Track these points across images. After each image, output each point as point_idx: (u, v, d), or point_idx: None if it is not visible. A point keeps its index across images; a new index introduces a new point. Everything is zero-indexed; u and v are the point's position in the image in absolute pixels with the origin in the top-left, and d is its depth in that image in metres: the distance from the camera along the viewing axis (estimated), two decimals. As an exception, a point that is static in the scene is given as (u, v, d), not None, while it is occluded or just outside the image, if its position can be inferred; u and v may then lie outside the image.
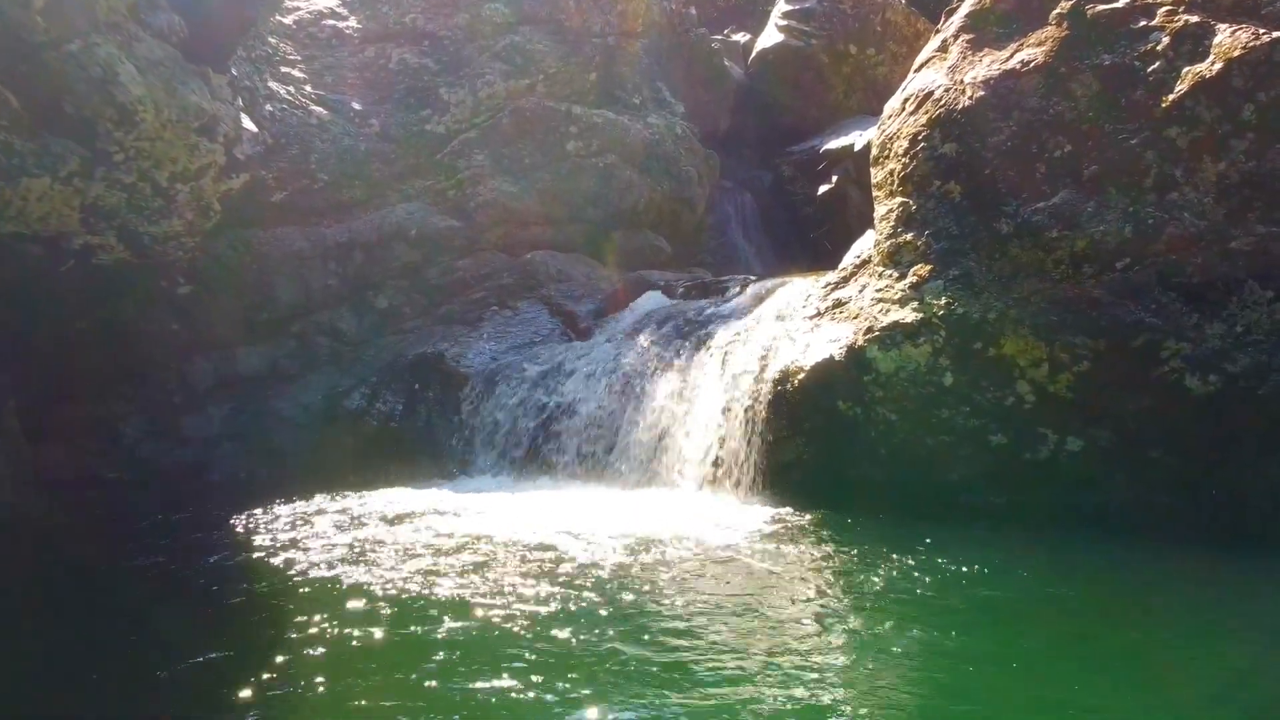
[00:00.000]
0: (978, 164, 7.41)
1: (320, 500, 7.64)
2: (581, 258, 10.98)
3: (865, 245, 11.62)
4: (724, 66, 14.52)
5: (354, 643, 4.70)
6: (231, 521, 7.17)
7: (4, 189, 6.02)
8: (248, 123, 8.29)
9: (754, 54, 15.00)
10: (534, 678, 4.23)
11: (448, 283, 10.53)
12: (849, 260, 11.57)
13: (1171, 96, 6.85)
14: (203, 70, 7.38)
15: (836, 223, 12.71)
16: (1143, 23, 7.23)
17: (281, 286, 9.84)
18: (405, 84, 11.37)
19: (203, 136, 6.87)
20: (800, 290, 8.18)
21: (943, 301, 7.15)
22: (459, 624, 4.88)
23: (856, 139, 12.82)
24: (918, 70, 8.33)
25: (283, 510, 7.36)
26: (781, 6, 14.88)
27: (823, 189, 13.00)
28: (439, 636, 4.73)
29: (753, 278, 9.41)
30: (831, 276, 8.14)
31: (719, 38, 15.35)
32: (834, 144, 13.14)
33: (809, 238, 13.19)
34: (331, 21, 11.82)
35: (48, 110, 6.20)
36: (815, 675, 4.28)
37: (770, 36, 14.82)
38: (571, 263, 10.66)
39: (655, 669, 4.32)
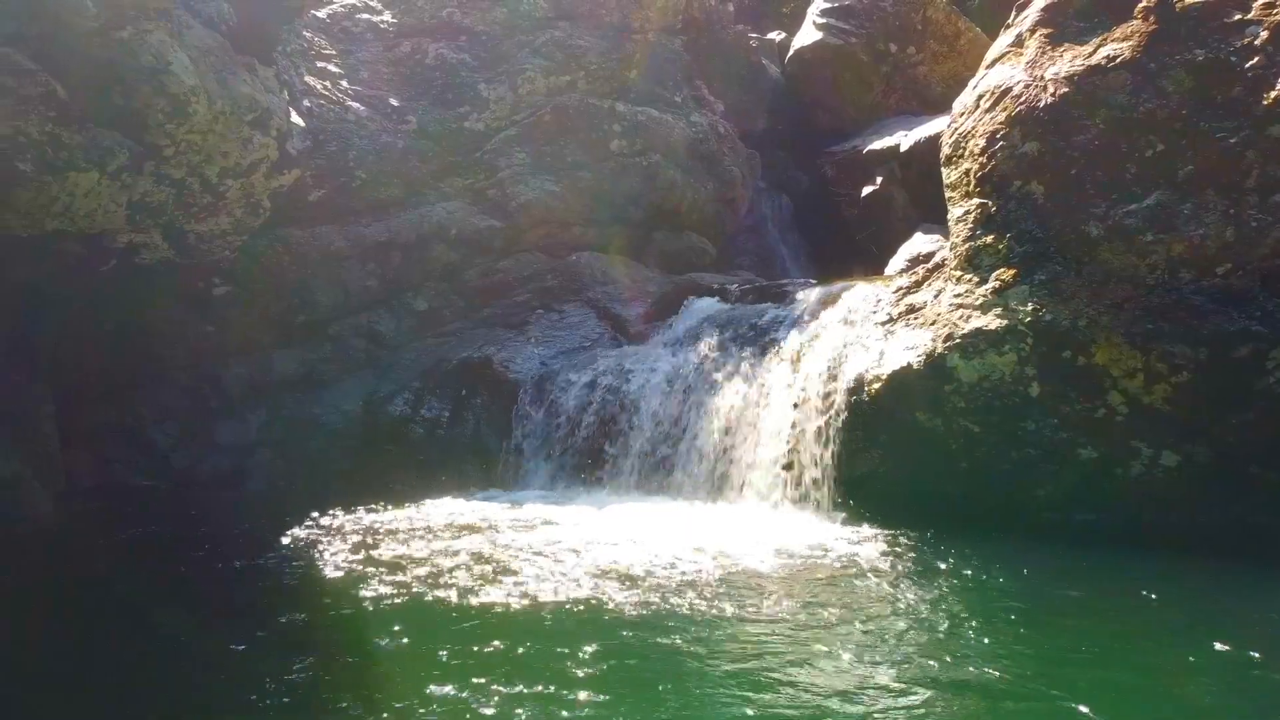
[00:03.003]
0: (1062, 163, 7.08)
1: (366, 511, 7.32)
2: (625, 260, 10.63)
3: (916, 247, 11.31)
4: (762, 65, 14.20)
5: (404, 658, 4.44)
6: (273, 534, 6.85)
7: (51, 184, 5.67)
8: (295, 116, 7.93)
9: (791, 52, 14.63)
10: (606, 696, 3.98)
11: (488, 285, 10.19)
12: (898, 263, 11.26)
13: (1273, 93, 6.51)
14: (249, 61, 7.04)
15: (881, 225, 12.35)
16: (1237, 16, 6.89)
17: (319, 288, 9.49)
18: (442, 80, 11.01)
19: (256, 130, 6.52)
20: (868, 295, 7.83)
21: (1029, 307, 6.81)
22: (513, 643, 4.55)
23: (902, 139, 12.45)
24: (990, 66, 7.98)
25: (327, 521, 7.04)
26: (819, 4, 14.51)
27: (867, 190, 12.63)
28: (491, 655, 4.43)
29: (813, 281, 9.06)
30: (903, 280, 7.79)
31: (755, 35, 15.01)
32: (878, 144, 12.76)
33: (853, 240, 12.82)
34: (366, 15, 11.47)
35: (95, 101, 5.86)
36: (900, 702, 4.04)
37: (808, 34, 14.45)
38: (616, 265, 10.31)
39: (733, 691, 4.07)
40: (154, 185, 6.21)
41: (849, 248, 12.95)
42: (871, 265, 11.78)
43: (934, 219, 11.97)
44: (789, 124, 14.62)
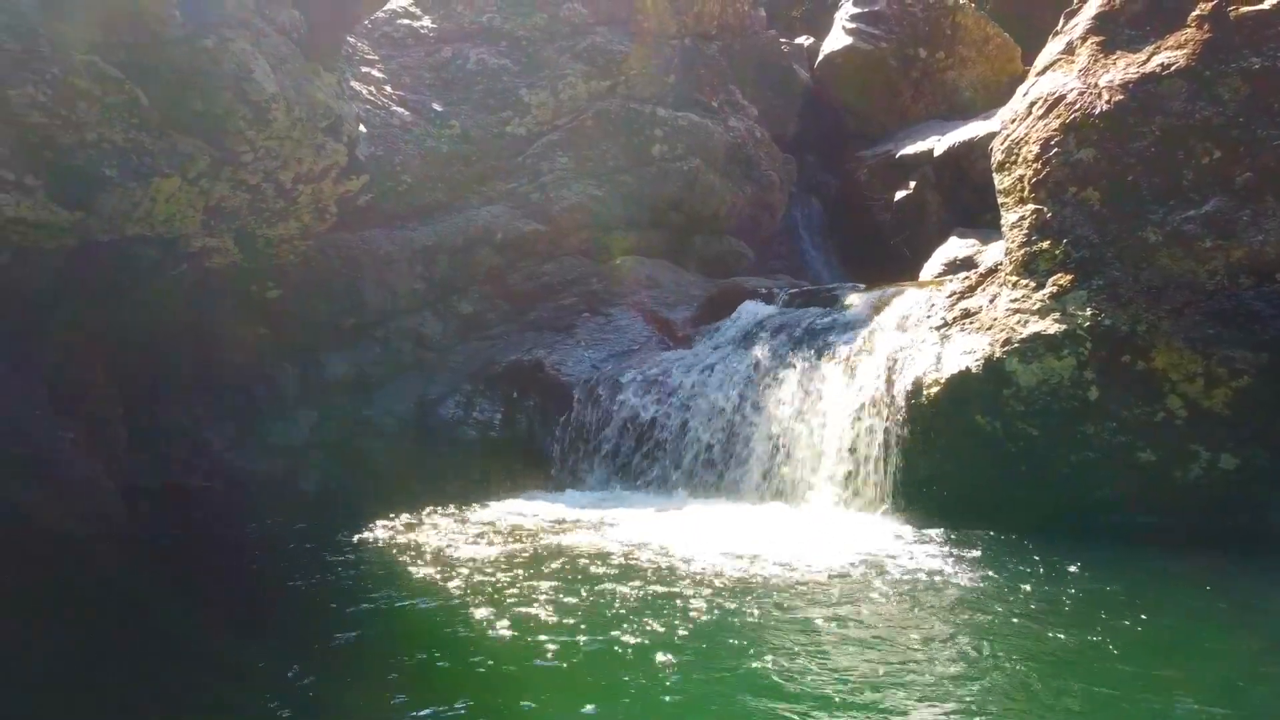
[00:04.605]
0: (1118, 170, 7.17)
1: (420, 513, 7.35)
2: (667, 264, 10.74)
3: (952, 251, 11.41)
4: (793, 70, 14.30)
5: (465, 665, 4.44)
6: (326, 535, 6.88)
7: (135, 189, 5.77)
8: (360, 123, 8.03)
9: (820, 57, 14.75)
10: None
11: (533, 288, 10.29)
12: (934, 266, 11.35)
13: (1331, 102, 6.60)
14: (314, 67, 7.13)
15: (915, 229, 12.46)
16: (1292, 25, 6.99)
17: (369, 290, 9.58)
18: (484, 85, 11.12)
19: (329, 136, 6.61)
20: (920, 299, 7.91)
21: (1088, 312, 6.90)
22: (569, 654, 4.52)
23: (935, 143, 12.56)
24: (1040, 73, 8.07)
25: (381, 523, 7.04)
26: (849, 9, 14.63)
27: (900, 194, 12.73)
28: (542, 668, 4.39)
29: (860, 285, 9.14)
30: (955, 285, 7.87)
31: (785, 40, 15.11)
32: (910, 149, 12.87)
33: (884, 243, 12.92)
34: (406, 21, 11.57)
35: (176, 108, 5.95)
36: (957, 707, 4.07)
37: (837, 39, 14.57)
38: (659, 269, 10.41)
39: (793, 699, 4.08)
40: (231, 190, 6.31)
41: (879, 251, 13.06)
42: (904, 268, 11.89)
43: (967, 223, 12.10)
44: (818, 128, 14.74)
